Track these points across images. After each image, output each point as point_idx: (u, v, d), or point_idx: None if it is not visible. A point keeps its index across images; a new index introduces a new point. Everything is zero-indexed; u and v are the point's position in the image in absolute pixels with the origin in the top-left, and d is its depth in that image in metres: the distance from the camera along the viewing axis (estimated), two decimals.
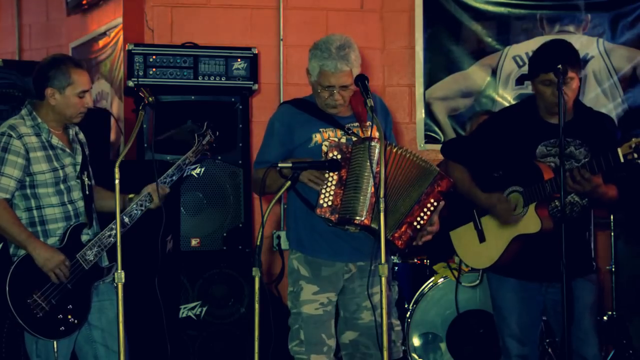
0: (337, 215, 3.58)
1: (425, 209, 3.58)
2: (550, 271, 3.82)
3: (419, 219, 3.58)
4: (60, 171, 3.68)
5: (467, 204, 4.07)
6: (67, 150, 3.73)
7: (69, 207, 3.70)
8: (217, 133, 4.01)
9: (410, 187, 3.59)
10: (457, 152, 4.15)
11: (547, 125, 3.86)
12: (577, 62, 3.81)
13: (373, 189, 3.50)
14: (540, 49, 3.89)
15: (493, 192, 3.93)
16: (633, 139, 3.51)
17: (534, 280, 3.93)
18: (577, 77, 3.78)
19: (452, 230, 4.20)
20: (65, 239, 3.64)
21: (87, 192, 3.76)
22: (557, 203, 3.82)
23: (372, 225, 3.51)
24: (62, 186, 3.68)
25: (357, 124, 3.78)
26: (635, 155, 3.50)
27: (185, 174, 4.76)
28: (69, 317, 3.64)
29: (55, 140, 3.70)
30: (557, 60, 3.69)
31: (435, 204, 3.59)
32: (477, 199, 3.99)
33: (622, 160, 3.54)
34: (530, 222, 3.82)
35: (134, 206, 3.72)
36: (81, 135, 3.88)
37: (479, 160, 4.01)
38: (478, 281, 5.00)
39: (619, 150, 3.54)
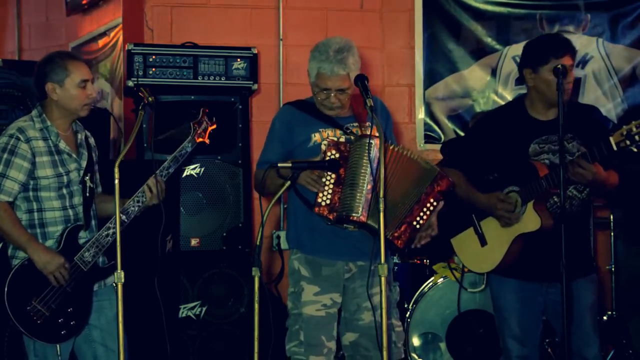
0: (335, 214, 3.58)
1: (424, 209, 3.57)
2: (550, 271, 3.82)
3: (418, 218, 3.57)
4: (65, 177, 3.67)
5: (466, 209, 4.06)
6: (74, 155, 3.71)
7: (70, 211, 3.69)
8: (214, 119, 3.97)
9: (409, 186, 3.58)
10: (450, 156, 4.15)
11: (537, 123, 3.87)
12: (575, 52, 3.88)
13: (370, 185, 3.49)
14: (544, 39, 3.92)
15: (492, 193, 3.93)
16: (624, 127, 3.52)
17: (534, 281, 3.92)
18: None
19: (453, 238, 4.19)
20: (63, 241, 3.64)
21: (87, 195, 3.75)
22: (555, 199, 3.82)
23: (369, 222, 3.50)
24: (64, 190, 3.68)
25: (356, 124, 3.78)
26: (628, 142, 3.51)
27: (182, 170, 4.76)
28: (70, 320, 3.63)
29: (62, 145, 3.68)
30: (567, 46, 3.77)
31: (435, 203, 3.58)
32: (476, 201, 3.96)
33: (615, 148, 3.54)
34: (530, 220, 3.82)
35: (131, 203, 3.70)
36: (91, 140, 3.86)
37: (473, 164, 4.01)
38: (483, 286, 4.99)
39: (611, 139, 3.55)
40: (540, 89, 3.85)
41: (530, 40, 3.97)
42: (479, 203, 3.96)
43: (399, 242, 3.56)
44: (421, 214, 3.57)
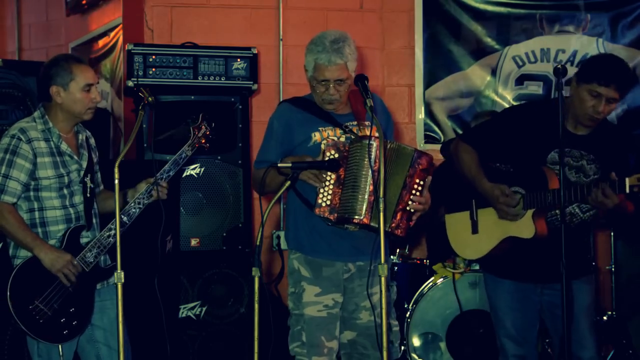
0: (336, 215, 3.58)
1: (413, 191, 3.54)
2: (546, 273, 3.82)
3: (410, 202, 3.54)
4: (66, 177, 3.67)
5: (468, 192, 4.03)
6: (75, 157, 3.71)
7: (70, 210, 3.69)
8: (213, 124, 3.98)
9: (393, 174, 3.55)
10: (470, 134, 4.10)
11: (565, 133, 3.74)
12: (628, 89, 3.78)
13: (371, 187, 3.49)
14: (604, 59, 3.83)
15: (499, 184, 3.88)
16: None
17: (529, 282, 3.92)
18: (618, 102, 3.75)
19: (448, 214, 4.17)
20: (65, 242, 3.64)
21: (88, 195, 3.75)
22: (556, 212, 3.79)
23: (372, 224, 3.50)
24: (65, 190, 3.67)
25: (355, 122, 3.77)
26: None
27: (182, 170, 4.77)
28: (72, 320, 3.63)
29: (64, 146, 3.68)
30: (617, 79, 3.65)
31: (421, 183, 3.56)
32: (481, 185, 3.90)
33: (627, 190, 3.50)
34: (525, 227, 3.80)
35: (132, 204, 3.71)
36: (92, 141, 3.87)
37: (489, 149, 3.95)
38: (462, 269, 5.06)
39: (627, 180, 3.50)
40: (573, 101, 3.77)
41: (599, 53, 3.88)
42: (483, 190, 3.90)
43: (399, 231, 3.55)
44: (411, 197, 3.54)
